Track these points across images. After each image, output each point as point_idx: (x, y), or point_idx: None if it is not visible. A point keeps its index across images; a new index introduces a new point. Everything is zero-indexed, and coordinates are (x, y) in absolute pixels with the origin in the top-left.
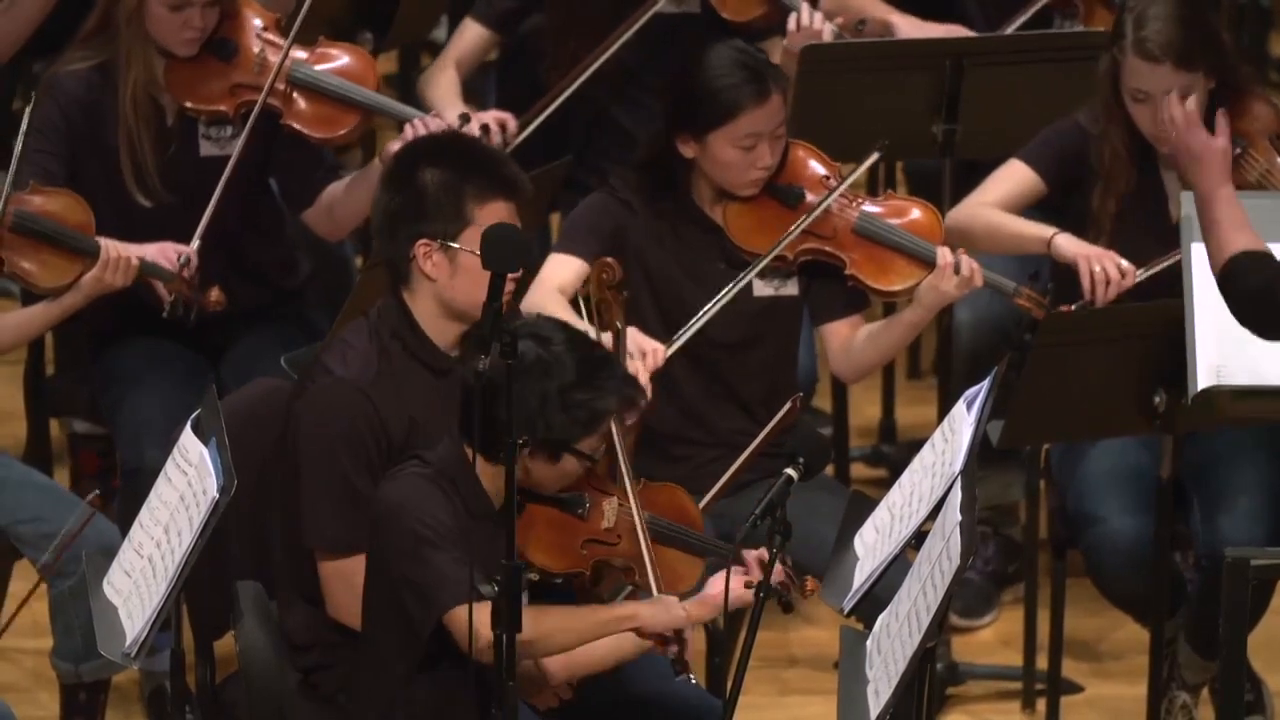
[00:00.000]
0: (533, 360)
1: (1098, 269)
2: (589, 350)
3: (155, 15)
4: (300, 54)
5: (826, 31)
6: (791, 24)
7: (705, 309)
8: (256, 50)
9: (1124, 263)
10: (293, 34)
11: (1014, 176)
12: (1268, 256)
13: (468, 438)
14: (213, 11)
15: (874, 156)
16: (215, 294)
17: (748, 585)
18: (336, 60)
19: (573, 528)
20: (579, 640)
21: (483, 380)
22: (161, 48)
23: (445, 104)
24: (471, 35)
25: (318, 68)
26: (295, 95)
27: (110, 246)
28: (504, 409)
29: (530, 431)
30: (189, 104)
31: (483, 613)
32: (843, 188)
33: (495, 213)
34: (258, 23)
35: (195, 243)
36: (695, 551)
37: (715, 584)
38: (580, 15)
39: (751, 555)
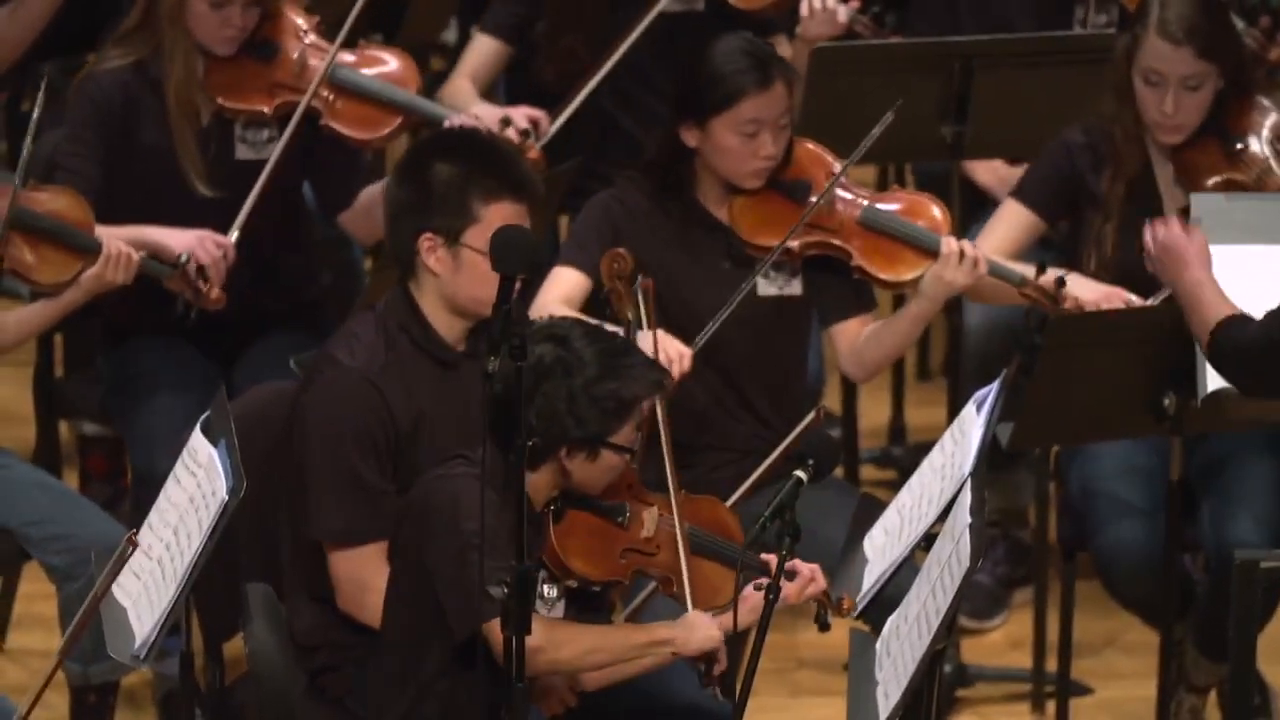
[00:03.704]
0: (552, 361)
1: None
2: (608, 341)
3: (196, 12)
4: (345, 56)
5: (842, 12)
6: (804, 9)
7: (725, 306)
8: (297, 53)
9: (1132, 298)
10: (340, 39)
11: (1012, 218)
12: (1248, 318)
13: (503, 447)
14: (253, 11)
15: (888, 117)
16: (215, 293)
17: (764, 589)
18: (378, 63)
19: (613, 536)
20: (611, 660)
21: (502, 386)
22: (202, 46)
23: (476, 107)
24: (483, 48)
25: (360, 70)
26: (337, 97)
27: (111, 243)
28: (525, 411)
29: (562, 432)
30: (226, 103)
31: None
32: (859, 153)
33: (501, 212)
34: (300, 24)
35: (234, 234)
36: (732, 565)
37: (748, 597)
38: (578, 11)
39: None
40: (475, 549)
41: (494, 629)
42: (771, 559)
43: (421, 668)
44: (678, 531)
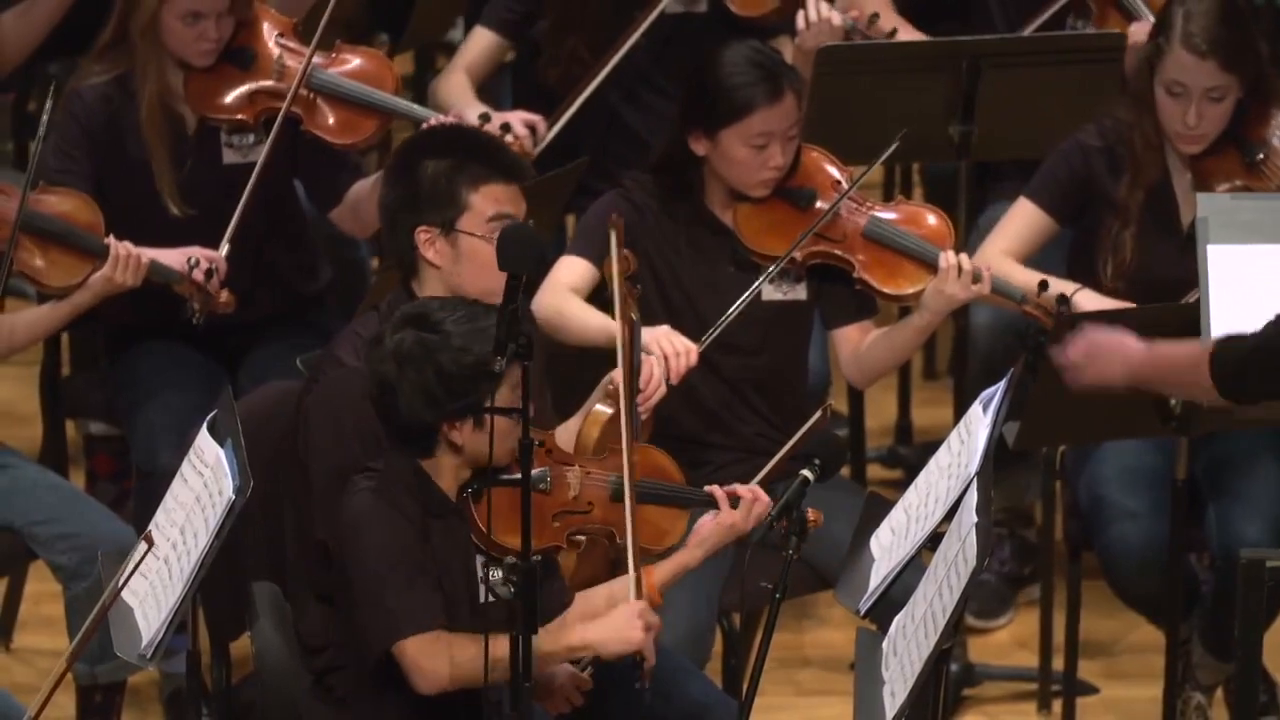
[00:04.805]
0: (413, 343)
1: None
2: (466, 307)
3: (170, 28)
4: (319, 59)
5: (837, 17)
6: (800, 22)
7: (734, 306)
8: (275, 57)
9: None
10: (315, 41)
11: (1023, 219)
12: (1231, 337)
13: (396, 442)
14: (228, 21)
15: (894, 145)
16: (225, 296)
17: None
18: (354, 64)
19: (538, 504)
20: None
21: (374, 382)
22: (179, 59)
23: (462, 104)
24: (481, 42)
25: (336, 72)
26: (316, 101)
27: (119, 246)
28: (407, 405)
29: (440, 408)
30: (209, 114)
31: (431, 645)
32: (862, 177)
33: (492, 194)
34: (275, 30)
35: (225, 248)
36: (675, 505)
37: (700, 528)
38: (581, 12)
39: (720, 493)
40: (375, 577)
41: (404, 650)
42: (715, 489)
43: (372, 665)
44: (625, 483)
